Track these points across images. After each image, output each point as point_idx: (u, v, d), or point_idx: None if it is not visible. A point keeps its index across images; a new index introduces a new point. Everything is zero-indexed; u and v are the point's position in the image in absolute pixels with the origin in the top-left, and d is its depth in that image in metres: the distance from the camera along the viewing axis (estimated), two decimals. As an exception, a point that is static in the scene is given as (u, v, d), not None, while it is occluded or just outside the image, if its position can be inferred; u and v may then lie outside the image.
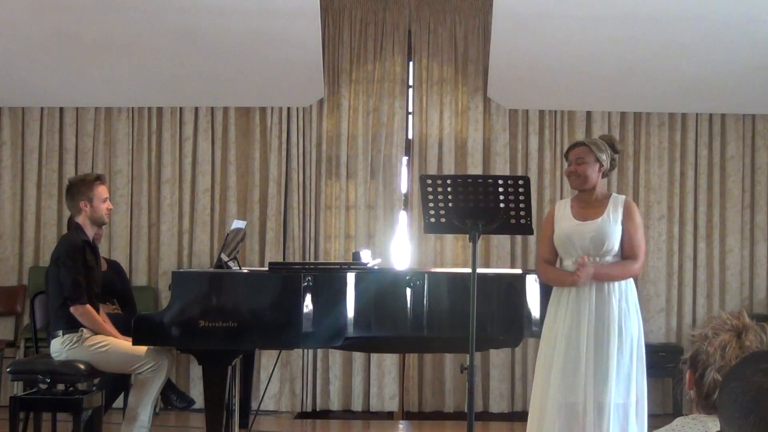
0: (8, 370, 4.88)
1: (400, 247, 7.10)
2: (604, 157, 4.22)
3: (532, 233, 4.26)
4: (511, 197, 4.01)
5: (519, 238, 6.98)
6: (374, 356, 6.88)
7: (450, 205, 4.03)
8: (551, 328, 4.15)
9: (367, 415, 6.95)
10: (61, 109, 7.14)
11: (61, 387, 4.77)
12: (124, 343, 4.59)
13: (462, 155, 7.05)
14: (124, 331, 4.69)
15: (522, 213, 4.04)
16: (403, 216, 7.14)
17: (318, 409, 6.97)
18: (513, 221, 4.06)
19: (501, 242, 6.94)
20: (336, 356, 6.91)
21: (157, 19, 6.16)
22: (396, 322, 4.50)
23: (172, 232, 7.09)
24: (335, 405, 6.97)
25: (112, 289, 5.61)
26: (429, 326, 4.46)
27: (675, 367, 6.62)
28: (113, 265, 5.98)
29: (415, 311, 4.45)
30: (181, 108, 7.12)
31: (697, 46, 6.30)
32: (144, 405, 4.63)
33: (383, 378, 6.92)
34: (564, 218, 4.23)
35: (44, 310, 4.94)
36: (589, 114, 7.10)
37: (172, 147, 7.12)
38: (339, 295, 4.39)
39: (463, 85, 7.07)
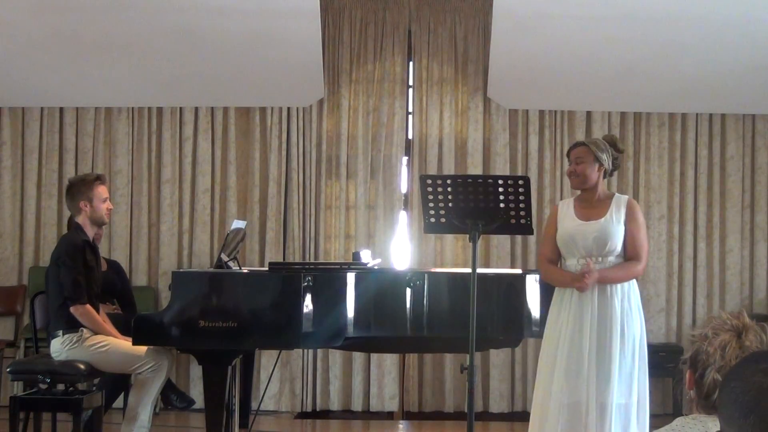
0: (8, 370, 4.88)
1: (400, 247, 7.10)
2: (605, 157, 4.21)
3: (532, 233, 4.26)
4: (511, 197, 4.01)
5: (519, 238, 6.98)
6: (374, 356, 6.88)
7: (450, 205, 4.03)
8: (554, 329, 4.15)
9: (367, 415, 6.95)
10: (61, 109, 7.14)
11: (61, 387, 4.77)
12: (124, 343, 4.59)
13: (462, 155, 7.04)
14: (124, 331, 4.69)
15: (522, 213, 4.04)
16: (403, 216, 7.14)
17: (318, 409, 6.97)
18: (513, 221, 4.07)
19: (501, 242, 6.94)
20: (336, 356, 6.91)
21: (157, 19, 6.16)
22: (396, 322, 4.50)
23: (172, 232, 7.09)
24: (335, 405, 6.97)
25: (112, 289, 5.61)
26: (429, 326, 4.46)
27: (675, 367, 6.62)
28: (113, 265, 5.98)
29: (415, 311, 4.45)
30: (181, 108, 7.12)
31: (697, 46, 6.30)
32: (144, 405, 4.63)
33: (383, 378, 6.92)
34: (567, 218, 4.23)
35: (44, 310, 4.94)
36: (589, 114, 7.09)
37: (172, 147, 7.11)
38: (339, 295, 4.39)
39: (463, 85, 7.07)
